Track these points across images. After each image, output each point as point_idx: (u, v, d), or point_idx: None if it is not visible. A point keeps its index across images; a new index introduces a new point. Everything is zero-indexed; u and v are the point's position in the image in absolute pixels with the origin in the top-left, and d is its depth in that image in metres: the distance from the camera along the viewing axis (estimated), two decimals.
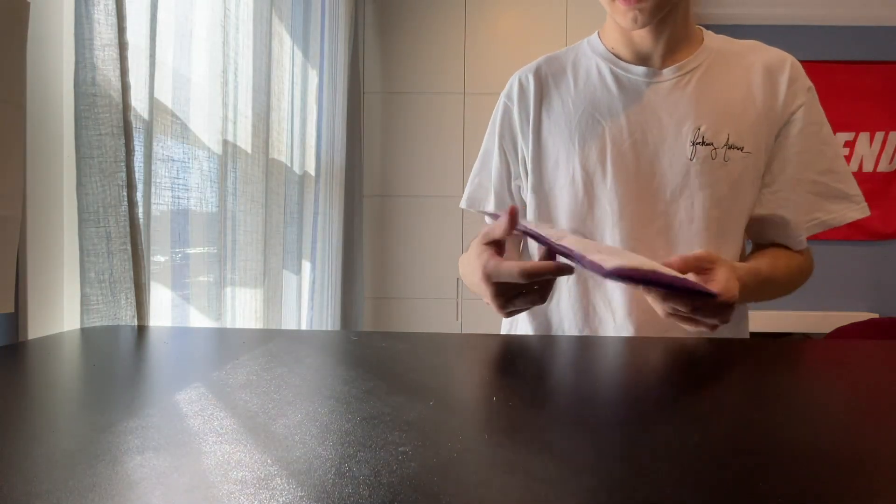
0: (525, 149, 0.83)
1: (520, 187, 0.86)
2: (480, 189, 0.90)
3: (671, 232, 0.74)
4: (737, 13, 2.44)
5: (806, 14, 2.44)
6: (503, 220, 0.56)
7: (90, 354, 0.44)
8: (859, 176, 2.43)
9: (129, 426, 0.27)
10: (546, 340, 0.52)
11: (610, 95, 0.77)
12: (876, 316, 2.40)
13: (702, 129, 0.73)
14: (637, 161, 0.74)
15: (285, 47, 1.23)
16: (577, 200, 0.76)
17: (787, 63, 0.77)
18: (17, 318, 0.51)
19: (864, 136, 2.43)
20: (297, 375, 0.37)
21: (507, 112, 0.86)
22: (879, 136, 2.43)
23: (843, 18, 2.44)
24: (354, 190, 1.92)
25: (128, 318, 0.57)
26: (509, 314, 0.58)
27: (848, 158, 2.44)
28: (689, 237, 0.74)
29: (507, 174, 0.87)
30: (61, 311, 0.57)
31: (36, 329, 0.53)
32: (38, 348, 0.45)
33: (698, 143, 0.73)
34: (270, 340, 0.49)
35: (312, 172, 1.50)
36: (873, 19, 2.44)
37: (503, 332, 0.89)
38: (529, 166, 0.82)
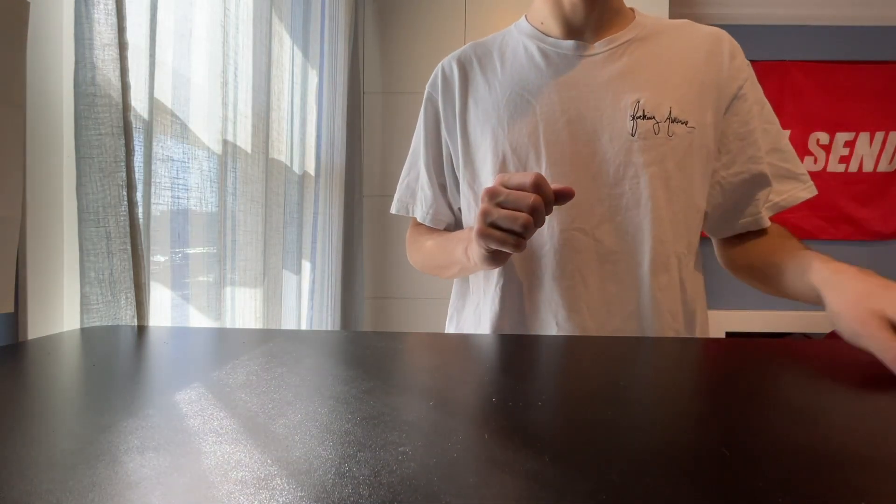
0: (453, 142, 0.77)
1: (444, 185, 0.80)
2: (408, 192, 0.84)
3: (617, 217, 0.68)
4: (736, 13, 2.44)
5: (806, 14, 2.44)
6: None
7: (90, 354, 0.44)
8: (859, 176, 2.46)
9: (129, 426, 0.27)
10: (545, 340, 0.52)
11: (538, 72, 0.71)
12: None
13: (641, 101, 0.67)
14: (573, 140, 0.68)
15: (285, 47, 1.23)
16: None
17: (723, 37, 0.73)
18: (16, 318, 0.51)
19: (864, 136, 2.43)
20: (297, 375, 0.37)
21: (430, 103, 0.80)
22: (879, 136, 2.43)
23: (843, 18, 2.44)
24: (354, 190, 1.92)
25: (128, 318, 0.57)
26: (483, 238, 0.54)
27: (847, 158, 2.45)
28: (636, 223, 0.68)
29: (434, 172, 0.81)
30: (61, 311, 0.57)
31: (36, 329, 0.53)
32: (38, 348, 0.45)
33: (639, 117, 0.67)
34: (270, 340, 0.49)
35: (312, 172, 1.50)
36: (873, 19, 2.44)
37: (449, 330, 0.84)
38: (461, 161, 0.75)
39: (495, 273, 0.72)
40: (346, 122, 1.77)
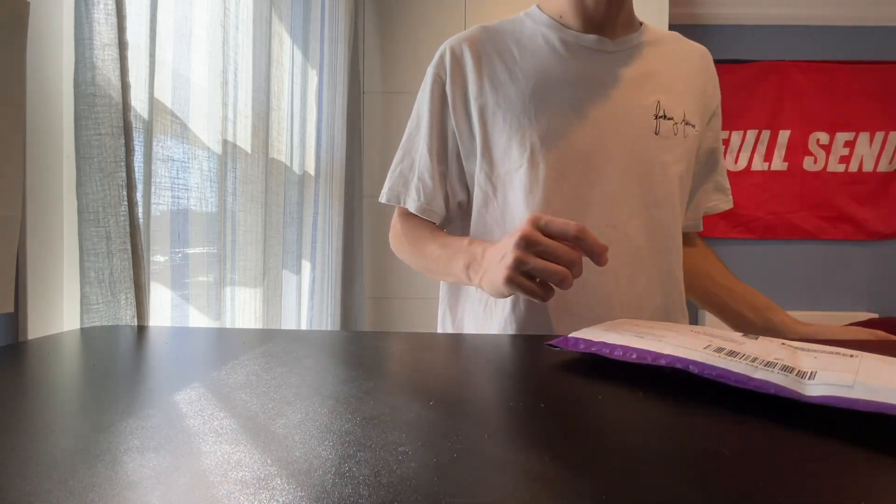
0: (462, 128, 0.72)
1: (445, 174, 0.75)
2: (401, 180, 0.78)
3: (645, 213, 0.68)
4: (736, 13, 2.45)
5: (805, 14, 2.44)
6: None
7: (90, 354, 0.44)
8: (859, 176, 2.46)
9: (129, 426, 0.27)
10: (546, 340, 0.52)
11: (563, 64, 0.69)
12: (876, 316, 2.40)
13: (662, 101, 0.70)
14: (604, 135, 0.68)
15: (285, 47, 1.23)
16: (539, 183, 0.67)
17: (709, 56, 0.78)
18: (17, 318, 0.51)
19: (863, 136, 2.43)
20: (297, 375, 0.37)
21: (438, 86, 0.74)
22: (879, 136, 2.44)
23: (843, 18, 2.44)
24: (354, 190, 1.92)
25: (128, 318, 0.57)
26: (513, 285, 0.51)
27: (847, 158, 2.45)
28: (662, 219, 0.69)
29: (437, 159, 0.74)
30: (61, 311, 0.57)
31: (36, 329, 0.53)
32: (38, 348, 0.45)
33: (661, 117, 0.69)
34: (270, 340, 0.49)
35: (312, 172, 1.50)
36: (873, 19, 2.44)
37: (440, 330, 0.81)
38: (478, 149, 0.71)
39: None
40: (346, 122, 1.77)
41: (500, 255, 0.54)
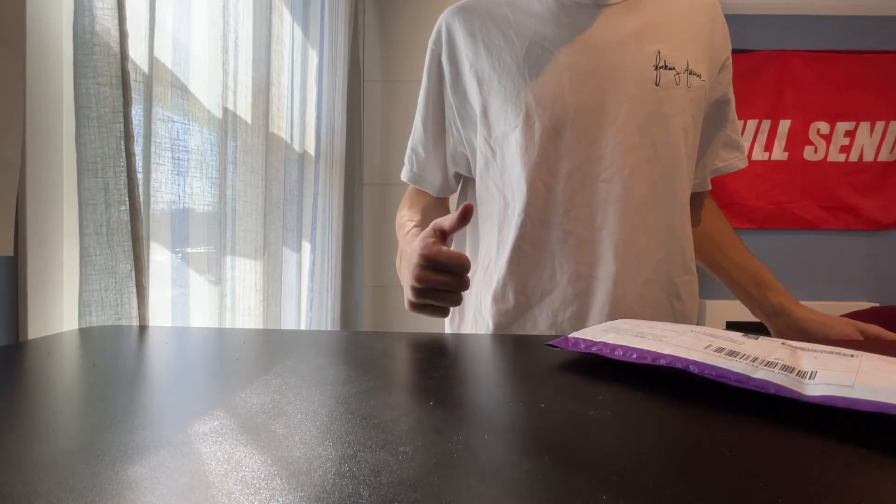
0: (461, 97, 0.74)
1: (442, 146, 0.78)
2: (415, 158, 0.81)
3: (646, 167, 0.67)
4: (737, 2, 2.42)
5: (805, 4, 2.42)
6: (454, 216, 0.54)
7: (90, 354, 0.44)
8: (860, 166, 2.46)
9: (129, 426, 0.27)
10: (546, 339, 0.52)
11: (557, 23, 0.69)
12: (877, 305, 2.41)
13: (662, 51, 0.68)
14: (600, 90, 0.67)
15: (285, 23, 1.22)
16: (535, 142, 0.67)
17: (718, 6, 0.75)
18: (16, 265, 0.51)
19: (864, 126, 2.43)
20: (297, 375, 0.37)
21: (435, 59, 0.76)
22: (880, 125, 2.43)
23: (843, 8, 2.42)
24: (354, 177, 1.91)
25: (125, 271, 0.57)
26: (417, 308, 0.57)
27: (848, 148, 2.44)
28: (663, 172, 0.67)
29: (432, 131, 0.78)
30: (61, 261, 0.57)
31: (35, 275, 0.53)
32: (38, 348, 0.45)
33: (661, 67, 0.67)
34: (270, 340, 0.49)
35: (312, 153, 1.49)
36: (873, 9, 2.42)
37: (448, 331, 0.82)
38: (478, 115, 0.71)
39: (513, 227, 0.69)
40: (347, 107, 1.76)
41: (407, 280, 0.60)
